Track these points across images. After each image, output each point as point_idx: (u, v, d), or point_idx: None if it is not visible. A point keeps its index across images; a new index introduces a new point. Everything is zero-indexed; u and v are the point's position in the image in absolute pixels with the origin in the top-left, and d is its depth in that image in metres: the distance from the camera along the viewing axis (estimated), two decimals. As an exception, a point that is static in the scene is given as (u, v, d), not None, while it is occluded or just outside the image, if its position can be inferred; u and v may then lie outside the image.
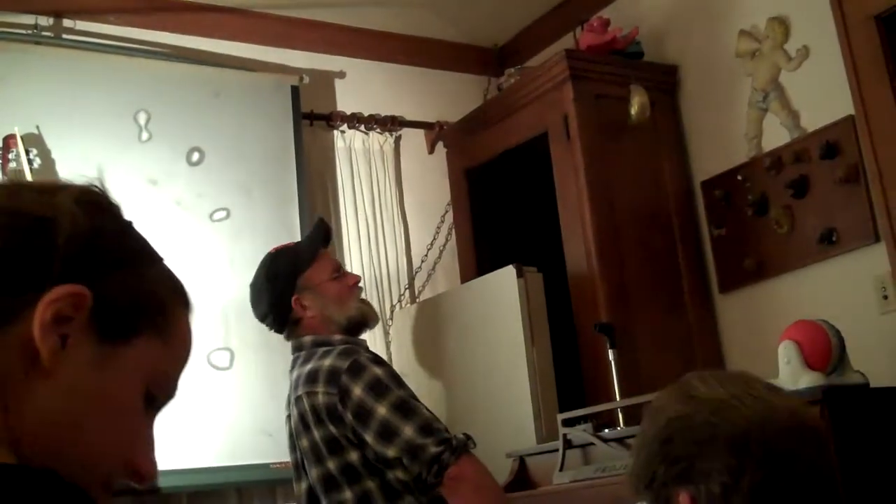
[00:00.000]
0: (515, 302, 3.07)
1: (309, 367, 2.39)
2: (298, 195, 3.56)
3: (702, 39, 3.48)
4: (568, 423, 2.67)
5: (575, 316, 3.24)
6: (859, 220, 2.89)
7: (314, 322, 2.49)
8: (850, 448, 2.15)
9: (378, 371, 2.32)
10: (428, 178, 4.01)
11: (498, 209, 3.81)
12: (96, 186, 0.82)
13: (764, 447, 1.16)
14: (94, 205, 0.80)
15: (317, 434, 2.33)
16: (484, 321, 3.19)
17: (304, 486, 2.43)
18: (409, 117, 3.99)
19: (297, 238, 3.33)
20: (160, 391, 0.82)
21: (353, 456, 2.30)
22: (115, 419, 0.77)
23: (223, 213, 3.43)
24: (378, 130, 3.90)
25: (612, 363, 2.79)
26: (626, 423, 2.69)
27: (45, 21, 3.34)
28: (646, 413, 1.30)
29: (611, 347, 2.80)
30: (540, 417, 2.96)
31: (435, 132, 4.04)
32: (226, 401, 3.25)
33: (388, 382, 2.30)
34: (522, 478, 2.78)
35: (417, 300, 3.79)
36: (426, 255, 3.93)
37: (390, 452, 2.24)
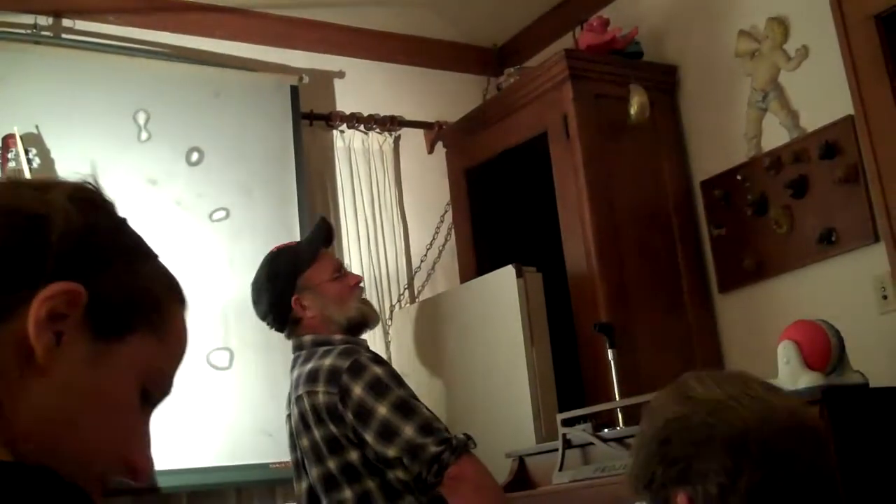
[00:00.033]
0: (515, 302, 3.07)
1: (309, 366, 2.39)
2: (298, 195, 3.56)
3: (701, 39, 3.48)
4: (567, 422, 2.67)
5: (574, 316, 3.24)
6: (859, 220, 2.89)
7: (314, 322, 2.49)
8: (850, 448, 2.15)
9: (378, 371, 2.32)
10: (427, 178, 4.01)
11: (497, 209, 3.81)
12: (90, 183, 0.82)
13: (761, 448, 1.16)
14: (88, 202, 0.79)
15: (317, 433, 2.34)
16: (483, 321, 3.19)
17: (304, 485, 2.44)
18: (409, 117, 3.99)
19: (297, 238, 3.33)
20: (156, 388, 0.81)
21: (354, 455, 2.30)
22: (110, 416, 0.77)
23: (223, 213, 3.43)
24: (377, 130, 3.90)
25: (612, 363, 2.79)
26: (625, 423, 2.69)
27: (44, 21, 3.34)
28: (644, 413, 1.30)
29: (610, 347, 2.80)
30: (539, 417, 2.96)
31: (434, 132, 4.04)
32: (225, 401, 3.25)
33: (388, 382, 2.30)
34: (522, 478, 2.78)
35: (417, 300, 3.79)
36: (425, 255, 3.93)
37: (390, 452, 2.24)
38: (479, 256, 3.76)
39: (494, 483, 2.38)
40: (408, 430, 2.24)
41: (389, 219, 3.85)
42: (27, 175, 2.95)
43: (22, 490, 0.67)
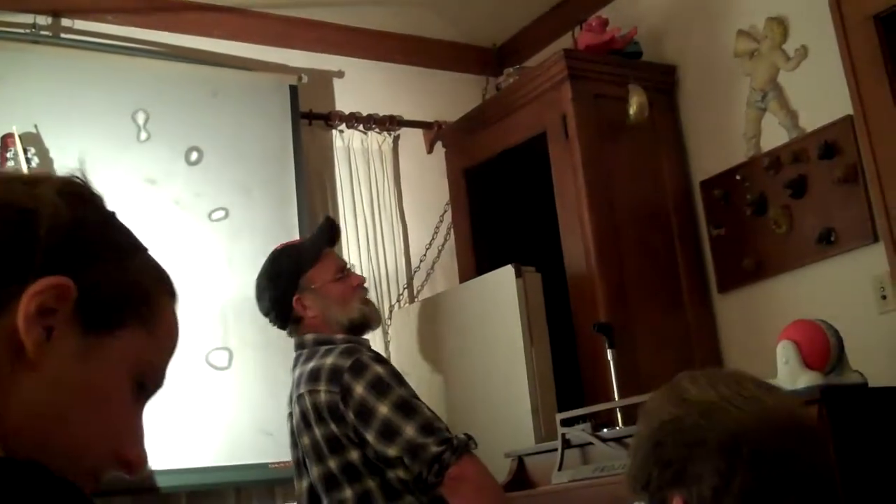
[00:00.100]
0: (514, 301, 3.07)
1: (311, 365, 2.39)
2: (297, 195, 3.56)
3: (700, 39, 3.48)
4: (566, 422, 2.67)
5: (574, 316, 3.24)
6: (858, 220, 2.89)
7: (316, 322, 2.49)
8: (849, 448, 2.15)
9: (380, 370, 2.32)
10: (426, 178, 4.01)
11: (496, 209, 3.81)
12: (78, 178, 0.82)
13: (754, 449, 1.16)
14: (77, 196, 0.79)
15: (318, 432, 2.34)
16: (483, 321, 3.19)
17: (305, 484, 2.44)
18: (408, 117, 3.99)
19: (297, 237, 3.33)
20: (147, 381, 0.81)
21: (354, 455, 2.30)
22: (101, 410, 0.76)
23: (222, 213, 3.43)
24: (377, 130, 3.90)
25: (611, 363, 2.79)
26: (624, 423, 2.69)
27: (43, 20, 3.34)
28: (640, 414, 1.30)
29: (609, 347, 2.80)
30: (538, 417, 2.96)
31: (433, 132, 4.04)
32: (224, 400, 3.25)
33: (389, 381, 2.30)
34: (521, 477, 2.78)
35: (416, 300, 3.79)
36: (425, 255, 3.93)
37: (391, 451, 2.24)
38: (478, 256, 3.76)
39: (495, 483, 2.38)
40: (409, 430, 2.24)
41: (389, 218, 3.85)
42: (26, 174, 2.95)
43: (12, 485, 0.67)
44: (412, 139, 4.04)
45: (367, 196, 3.81)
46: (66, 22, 3.40)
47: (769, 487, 1.15)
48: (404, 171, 3.98)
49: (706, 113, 3.45)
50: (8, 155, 2.98)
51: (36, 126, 3.12)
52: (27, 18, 3.30)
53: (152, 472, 3.03)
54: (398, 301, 3.77)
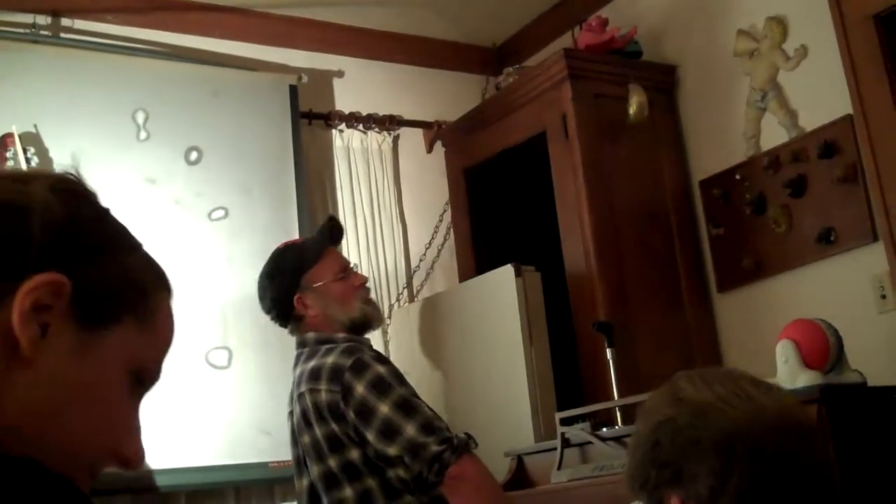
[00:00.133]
0: (514, 301, 3.07)
1: (312, 364, 2.39)
2: (297, 194, 3.56)
3: (700, 39, 3.49)
4: (566, 421, 2.67)
5: (573, 315, 3.24)
6: (857, 220, 2.89)
7: (317, 321, 2.49)
8: (848, 447, 2.15)
9: (381, 369, 2.32)
10: (426, 178, 4.01)
11: (496, 208, 3.81)
12: (72, 174, 0.82)
13: (749, 449, 1.16)
14: (70, 192, 0.79)
15: (318, 431, 2.34)
16: (482, 320, 3.19)
17: (305, 482, 2.44)
18: (408, 116, 3.99)
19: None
20: (144, 376, 0.81)
21: (354, 454, 2.30)
22: (97, 406, 0.77)
23: (222, 213, 3.43)
24: (376, 130, 3.90)
25: (611, 362, 2.79)
26: (623, 422, 2.69)
27: (43, 20, 3.34)
28: (638, 414, 1.30)
29: (609, 346, 2.80)
30: (538, 416, 2.96)
31: (433, 131, 4.04)
32: (224, 400, 3.25)
33: (390, 381, 2.31)
34: (520, 477, 2.78)
35: (416, 299, 3.79)
36: (424, 255, 3.93)
37: (392, 451, 2.24)
38: (477, 256, 3.76)
39: (495, 483, 2.38)
40: (409, 429, 2.24)
41: (388, 218, 3.85)
42: (26, 174, 2.95)
43: (7, 482, 0.67)
44: (412, 139, 4.04)
45: (367, 196, 3.82)
46: (65, 21, 3.40)
47: (765, 487, 1.15)
48: (404, 170, 3.98)
49: (706, 112, 3.45)
50: (7, 155, 2.99)
51: (35, 126, 3.13)
52: (27, 18, 3.30)
53: (152, 472, 3.03)
54: (398, 300, 3.77)
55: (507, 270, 3.12)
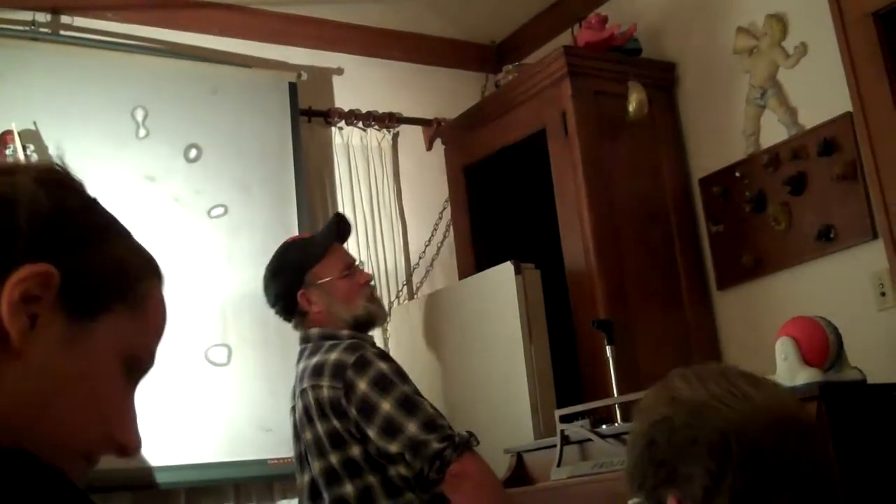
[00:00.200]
0: (513, 298, 3.07)
1: (315, 360, 2.39)
2: (296, 192, 3.56)
3: (700, 36, 3.48)
4: (565, 419, 2.67)
5: (573, 312, 3.24)
6: (857, 217, 2.89)
7: (320, 317, 2.50)
8: (848, 444, 2.15)
9: (383, 366, 2.33)
10: (426, 175, 4.01)
11: (496, 206, 3.81)
12: (58, 165, 0.82)
13: (743, 448, 1.15)
14: (55, 182, 0.79)
15: (320, 427, 2.34)
16: (482, 318, 3.19)
17: (306, 478, 2.44)
18: (407, 114, 3.99)
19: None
20: (138, 363, 0.81)
21: (356, 451, 2.30)
22: (90, 395, 0.77)
23: (221, 210, 3.43)
24: (376, 127, 3.90)
25: (610, 359, 2.79)
26: (623, 420, 2.69)
27: (42, 17, 3.34)
28: (634, 412, 1.30)
29: (608, 344, 2.80)
30: (538, 413, 2.96)
31: (433, 129, 4.04)
32: (224, 397, 3.25)
33: (392, 378, 2.31)
34: (520, 474, 2.78)
35: (416, 296, 3.79)
36: (424, 252, 3.93)
37: (393, 448, 2.24)
38: (477, 253, 3.76)
39: (496, 481, 2.38)
40: (411, 427, 2.24)
41: (388, 215, 3.85)
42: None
43: None
44: (411, 136, 4.04)
45: (367, 193, 3.81)
46: (65, 19, 3.40)
47: (760, 486, 1.15)
48: (403, 168, 3.98)
49: (705, 110, 3.45)
50: (7, 152, 2.99)
51: (35, 123, 3.12)
52: (26, 15, 3.30)
53: (151, 469, 3.04)
54: (397, 298, 3.77)
55: (507, 268, 3.12)
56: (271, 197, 3.53)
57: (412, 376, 2.44)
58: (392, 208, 3.87)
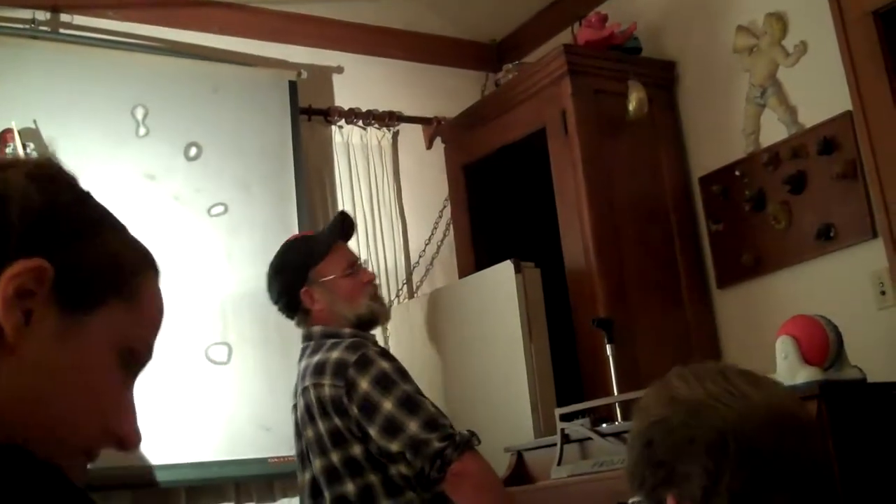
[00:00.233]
0: (513, 297, 3.07)
1: (317, 358, 2.39)
2: (296, 190, 3.56)
3: (700, 35, 3.48)
4: (566, 417, 2.67)
5: (573, 311, 3.24)
6: (857, 216, 2.89)
7: (323, 315, 2.50)
8: (848, 443, 2.15)
9: (385, 365, 2.33)
10: (426, 174, 4.01)
11: (496, 205, 3.81)
12: (50, 159, 0.82)
13: (741, 448, 1.15)
14: (47, 177, 0.79)
15: (322, 426, 2.34)
16: (482, 316, 3.19)
17: (307, 476, 2.44)
18: (407, 113, 3.99)
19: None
20: (135, 356, 0.81)
21: (357, 449, 2.30)
22: (86, 389, 0.76)
23: (221, 208, 3.43)
24: (376, 126, 3.90)
25: (610, 358, 2.79)
26: (623, 418, 2.69)
27: (42, 15, 3.34)
28: (634, 411, 1.30)
29: (609, 342, 2.80)
30: (538, 412, 2.97)
31: (433, 128, 4.04)
32: (224, 395, 3.25)
33: (394, 377, 2.31)
34: (520, 472, 2.79)
35: (415, 295, 3.79)
36: (424, 251, 3.93)
37: (394, 447, 2.24)
38: (477, 252, 3.76)
39: (497, 480, 2.38)
40: (412, 426, 2.24)
41: (388, 214, 3.85)
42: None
43: None
44: (411, 135, 4.04)
45: (367, 192, 3.81)
46: (65, 17, 3.40)
47: (758, 485, 1.15)
48: (403, 166, 3.98)
49: (705, 109, 3.45)
50: (7, 150, 2.98)
51: (35, 122, 3.12)
52: (26, 14, 3.30)
53: (152, 467, 3.04)
54: (397, 296, 3.77)
55: (507, 267, 3.12)
56: (271, 195, 3.53)
57: (412, 375, 2.44)
58: (392, 207, 3.87)
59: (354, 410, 2.29)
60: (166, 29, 3.57)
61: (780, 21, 3.18)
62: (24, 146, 3.02)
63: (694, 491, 1.16)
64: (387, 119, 3.91)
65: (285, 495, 3.33)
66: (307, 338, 2.51)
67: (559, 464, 2.63)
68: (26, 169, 0.78)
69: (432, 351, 3.33)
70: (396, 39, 4.07)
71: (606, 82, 3.37)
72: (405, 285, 3.84)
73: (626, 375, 2.81)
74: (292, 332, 2.65)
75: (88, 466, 0.79)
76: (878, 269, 2.82)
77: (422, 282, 3.88)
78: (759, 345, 2.79)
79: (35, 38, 3.28)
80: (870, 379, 2.39)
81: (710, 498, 1.15)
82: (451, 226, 3.95)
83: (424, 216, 3.97)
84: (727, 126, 3.34)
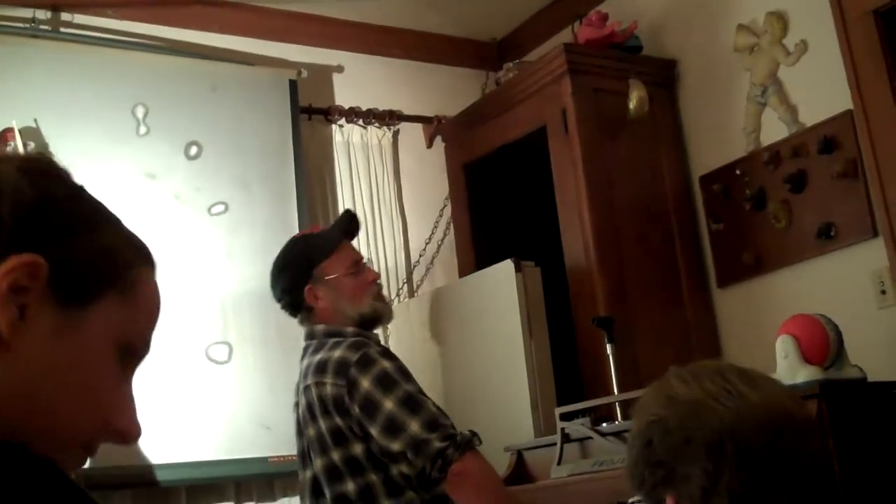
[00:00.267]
0: (514, 296, 3.07)
1: (319, 356, 2.39)
2: (297, 189, 3.56)
3: (700, 34, 3.48)
4: (566, 417, 2.67)
5: (573, 310, 3.24)
6: (857, 215, 2.89)
7: (326, 313, 2.49)
8: (848, 442, 2.15)
9: (387, 365, 2.32)
10: (426, 173, 4.01)
11: (496, 204, 3.81)
12: (42, 154, 0.82)
13: (739, 448, 1.15)
14: (39, 172, 0.78)
15: (323, 424, 2.34)
16: (482, 315, 3.19)
17: (308, 474, 2.44)
18: (408, 111, 3.99)
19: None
20: (131, 350, 0.81)
21: (358, 448, 2.30)
22: (83, 384, 0.76)
23: (221, 207, 3.43)
24: (376, 125, 3.90)
25: (610, 357, 2.79)
26: (623, 417, 2.69)
27: (42, 14, 3.34)
28: (633, 411, 1.30)
29: (609, 342, 2.80)
30: (538, 411, 2.97)
31: (433, 126, 4.04)
32: (224, 395, 3.25)
33: (396, 377, 2.31)
34: (520, 472, 2.79)
35: (416, 294, 3.79)
36: (424, 250, 3.93)
37: (395, 446, 2.24)
38: (477, 251, 3.76)
39: (498, 480, 2.38)
40: (413, 426, 2.24)
41: (388, 213, 3.85)
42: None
43: None
44: (412, 134, 4.04)
45: (367, 191, 3.81)
46: (65, 16, 3.40)
47: (757, 485, 1.15)
48: (404, 165, 3.98)
49: (706, 108, 3.45)
50: (7, 149, 2.98)
51: (35, 120, 3.12)
52: (27, 13, 3.30)
53: (152, 466, 3.04)
54: (398, 295, 3.77)
55: (507, 266, 3.12)
56: (272, 194, 3.53)
57: (412, 374, 2.44)
58: (392, 206, 3.87)
59: (356, 409, 2.28)
60: (167, 28, 3.57)
61: (780, 20, 3.18)
62: (25, 145, 3.01)
63: (693, 492, 1.16)
64: (387, 118, 3.91)
65: (285, 494, 3.34)
66: (310, 336, 2.51)
67: (559, 463, 2.63)
68: (17, 163, 0.78)
69: (432, 350, 3.34)
70: (397, 38, 4.07)
71: (607, 81, 3.37)
72: (405, 284, 3.84)
73: (626, 375, 2.81)
74: (292, 331, 2.64)
75: (88, 463, 0.79)
76: (878, 268, 2.82)
77: (422, 281, 3.88)
78: (760, 344, 2.79)
79: (35, 37, 3.28)
80: (870, 378, 2.39)
81: (710, 498, 1.15)
82: (452, 225, 3.95)
83: (425, 215, 3.97)
84: (728, 125, 3.33)
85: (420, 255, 3.91)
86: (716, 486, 1.15)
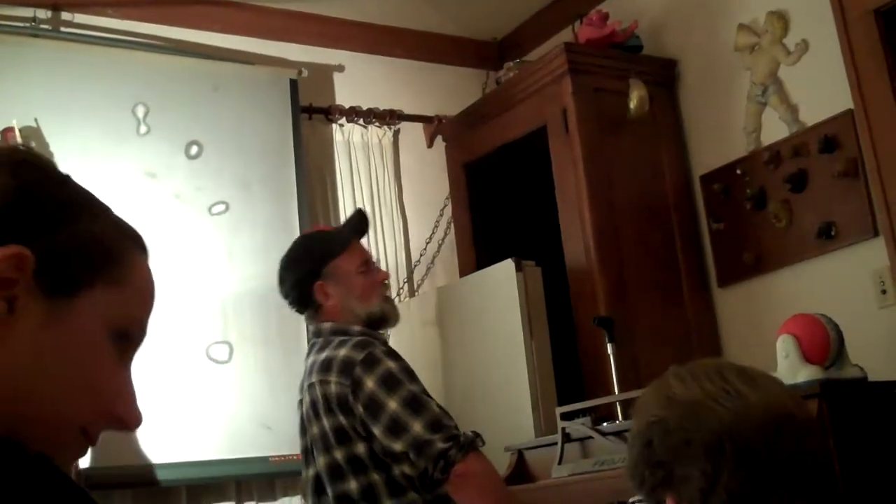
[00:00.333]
0: (514, 296, 3.07)
1: (324, 355, 2.39)
2: (297, 189, 3.56)
3: (701, 33, 3.48)
4: (566, 416, 2.67)
5: (574, 310, 3.24)
6: (858, 215, 2.89)
7: (334, 311, 2.48)
8: (849, 442, 2.15)
9: (392, 365, 2.32)
10: (427, 172, 4.01)
11: (497, 203, 3.81)
12: (23, 146, 0.81)
13: (738, 448, 1.15)
14: (21, 163, 0.77)
15: (326, 423, 2.34)
16: (482, 315, 3.19)
17: (311, 472, 2.44)
18: (408, 111, 3.99)
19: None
20: (127, 337, 0.80)
21: (361, 448, 2.30)
22: (78, 373, 0.76)
23: (222, 207, 3.43)
24: (377, 124, 3.90)
25: (611, 357, 2.79)
26: (624, 417, 2.69)
27: (43, 14, 3.34)
28: (633, 410, 1.30)
29: (609, 341, 2.80)
30: (538, 411, 2.97)
31: (434, 126, 4.04)
32: (225, 394, 3.25)
33: (400, 377, 2.31)
34: (521, 471, 2.79)
35: (416, 294, 3.79)
36: (425, 249, 3.93)
37: (398, 447, 2.24)
38: (478, 250, 3.76)
39: (501, 481, 2.38)
40: (416, 426, 2.24)
41: (389, 213, 3.85)
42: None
43: None
44: (412, 133, 4.04)
45: (368, 190, 3.81)
46: (65, 16, 3.40)
47: (757, 485, 1.15)
48: (404, 165, 3.98)
49: (706, 107, 3.45)
50: (8, 149, 2.98)
51: (36, 120, 3.12)
52: (27, 12, 3.30)
53: (152, 466, 3.04)
54: (398, 295, 3.77)
55: (508, 265, 3.12)
56: (272, 194, 3.53)
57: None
58: (393, 205, 3.87)
59: (359, 409, 2.28)
60: (167, 27, 3.57)
61: (781, 19, 3.17)
62: (25, 144, 3.02)
63: (692, 493, 1.16)
64: (388, 117, 3.91)
65: (286, 494, 3.34)
66: (316, 334, 2.50)
67: (560, 463, 2.63)
68: None
69: (433, 349, 3.34)
70: (397, 38, 4.07)
71: (607, 80, 3.37)
72: (406, 284, 3.84)
73: (626, 374, 2.81)
74: (293, 331, 2.65)
75: (88, 463, 0.79)
76: (879, 267, 2.82)
77: (423, 280, 3.88)
78: (760, 343, 2.79)
79: (36, 36, 3.28)
80: (871, 378, 2.39)
81: (709, 499, 1.15)
82: (452, 224, 3.95)
83: (425, 214, 3.97)
84: (728, 124, 3.33)
85: (420, 255, 3.91)
86: (714, 488, 1.15)
